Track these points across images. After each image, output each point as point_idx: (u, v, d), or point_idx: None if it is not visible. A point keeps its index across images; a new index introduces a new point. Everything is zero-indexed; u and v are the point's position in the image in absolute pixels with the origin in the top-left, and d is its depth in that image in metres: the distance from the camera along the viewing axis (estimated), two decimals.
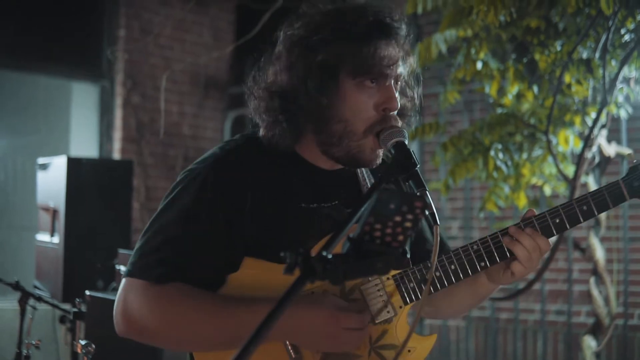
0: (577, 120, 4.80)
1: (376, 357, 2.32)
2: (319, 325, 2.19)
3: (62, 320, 4.76)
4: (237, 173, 2.29)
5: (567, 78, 4.41)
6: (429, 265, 2.31)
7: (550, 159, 4.96)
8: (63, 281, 5.53)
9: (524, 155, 4.94)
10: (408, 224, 1.82)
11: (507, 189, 5.02)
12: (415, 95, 2.42)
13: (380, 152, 2.31)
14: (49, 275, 5.75)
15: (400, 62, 2.28)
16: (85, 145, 8.36)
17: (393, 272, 2.31)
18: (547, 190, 5.29)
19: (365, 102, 2.26)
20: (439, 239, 2.11)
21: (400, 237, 1.82)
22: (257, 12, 6.62)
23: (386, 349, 2.32)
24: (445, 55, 4.63)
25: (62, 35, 8.02)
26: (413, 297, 2.32)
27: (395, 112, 2.29)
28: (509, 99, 4.78)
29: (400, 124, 2.29)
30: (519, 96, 4.73)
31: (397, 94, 2.28)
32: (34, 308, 4.62)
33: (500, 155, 4.78)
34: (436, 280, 2.32)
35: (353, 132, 2.27)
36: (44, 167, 5.96)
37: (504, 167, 4.78)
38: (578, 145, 4.90)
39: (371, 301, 2.32)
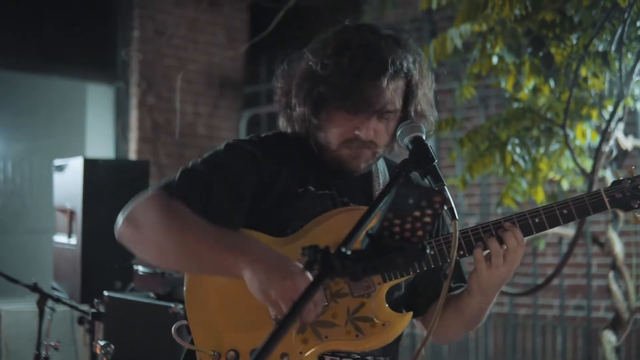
0: (594, 113, 4.77)
1: (352, 328, 2.47)
2: (278, 267, 2.27)
3: (81, 321, 4.76)
4: (260, 148, 2.57)
5: (583, 71, 4.38)
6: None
7: (567, 153, 4.93)
8: (81, 282, 5.53)
9: (541, 150, 4.92)
10: (427, 219, 1.81)
11: (524, 184, 5.00)
12: (429, 118, 2.62)
13: (362, 162, 2.56)
14: (66, 277, 5.76)
15: (389, 98, 2.47)
16: (101, 147, 8.39)
17: None
18: (565, 185, 5.26)
19: (343, 125, 2.50)
20: (457, 234, 2.12)
21: (420, 233, 1.81)
22: (271, 10, 6.61)
23: (362, 320, 2.48)
24: (461, 51, 4.61)
25: (76, 37, 8.04)
26: (392, 276, 2.48)
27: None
28: (525, 93, 4.75)
29: (374, 146, 2.54)
30: (535, 90, 4.70)
31: (372, 125, 2.49)
32: (52, 310, 4.63)
33: (518, 150, 4.76)
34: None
35: (329, 146, 2.55)
36: (60, 168, 5.97)
37: (521, 162, 4.76)
38: (595, 139, 4.87)
39: None
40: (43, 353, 4.44)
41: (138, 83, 8.29)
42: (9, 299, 6.91)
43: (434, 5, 4.41)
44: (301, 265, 2.26)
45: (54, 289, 5.85)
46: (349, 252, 1.75)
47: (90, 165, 5.66)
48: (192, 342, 2.52)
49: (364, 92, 2.43)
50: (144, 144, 8.27)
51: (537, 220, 2.45)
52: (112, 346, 3.82)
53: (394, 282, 2.51)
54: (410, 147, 2.30)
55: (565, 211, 2.45)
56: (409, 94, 2.53)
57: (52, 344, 4.42)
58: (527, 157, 4.79)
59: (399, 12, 7.96)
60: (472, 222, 7.92)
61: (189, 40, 8.65)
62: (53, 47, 7.92)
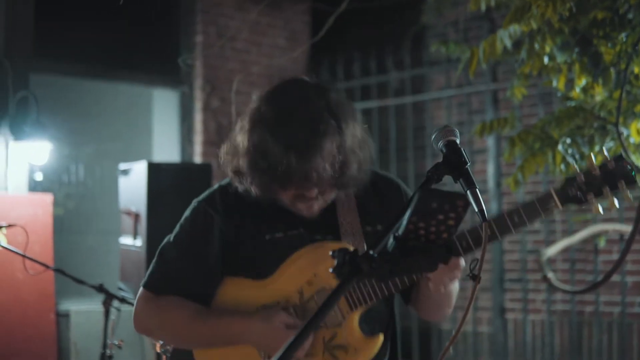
0: None
1: (329, 356, 2.69)
2: (267, 337, 2.65)
3: None
4: (221, 209, 2.80)
5: (635, 69, 4.36)
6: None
7: (621, 151, 4.90)
8: None
9: (596, 148, 4.88)
10: (451, 222, 1.88)
11: None
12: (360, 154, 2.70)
13: (316, 208, 2.72)
14: (132, 277, 5.91)
15: (322, 164, 2.56)
16: (168, 150, 8.55)
17: None
18: None
19: (289, 192, 2.65)
20: (487, 236, 2.16)
21: (444, 235, 1.88)
22: (332, 14, 6.67)
23: (338, 349, 2.69)
24: (510, 51, 4.61)
25: (141, 44, 8.22)
26: (357, 305, 2.67)
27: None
28: (577, 92, 4.73)
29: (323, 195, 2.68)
30: (586, 89, 4.68)
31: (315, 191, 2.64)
32: (118, 310, 4.77)
33: (570, 150, 4.73)
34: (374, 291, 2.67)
35: (284, 203, 2.72)
36: (125, 172, 6.12)
37: (572, 161, 4.73)
38: None
39: None
40: (107, 352, 4.60)
41: (202, 87, 8.43)
42: (79, 299, 7.10)
43: (483, 7, 4.43)
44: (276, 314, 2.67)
45: (120, 289, 6.01)
46: (375, 255, 1.82)
47: (154, 169, 5.79)
48: None
49: (299, 171, 2.54)
50: (208, 146, 8.40)
51: (489, 232, 2.50)
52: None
53: (362, 309, 2.69)
54: (444, 150, 2.33)
55: (516, 218, 2.55)
56: (340, 139, 2.61)
57: (116, 342, 4.58)
58: (577, 156, 4.76)
59: (458, 10, 7.95)
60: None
61: (251, 43, 8.76)
62: (120, 54, 8.10)
